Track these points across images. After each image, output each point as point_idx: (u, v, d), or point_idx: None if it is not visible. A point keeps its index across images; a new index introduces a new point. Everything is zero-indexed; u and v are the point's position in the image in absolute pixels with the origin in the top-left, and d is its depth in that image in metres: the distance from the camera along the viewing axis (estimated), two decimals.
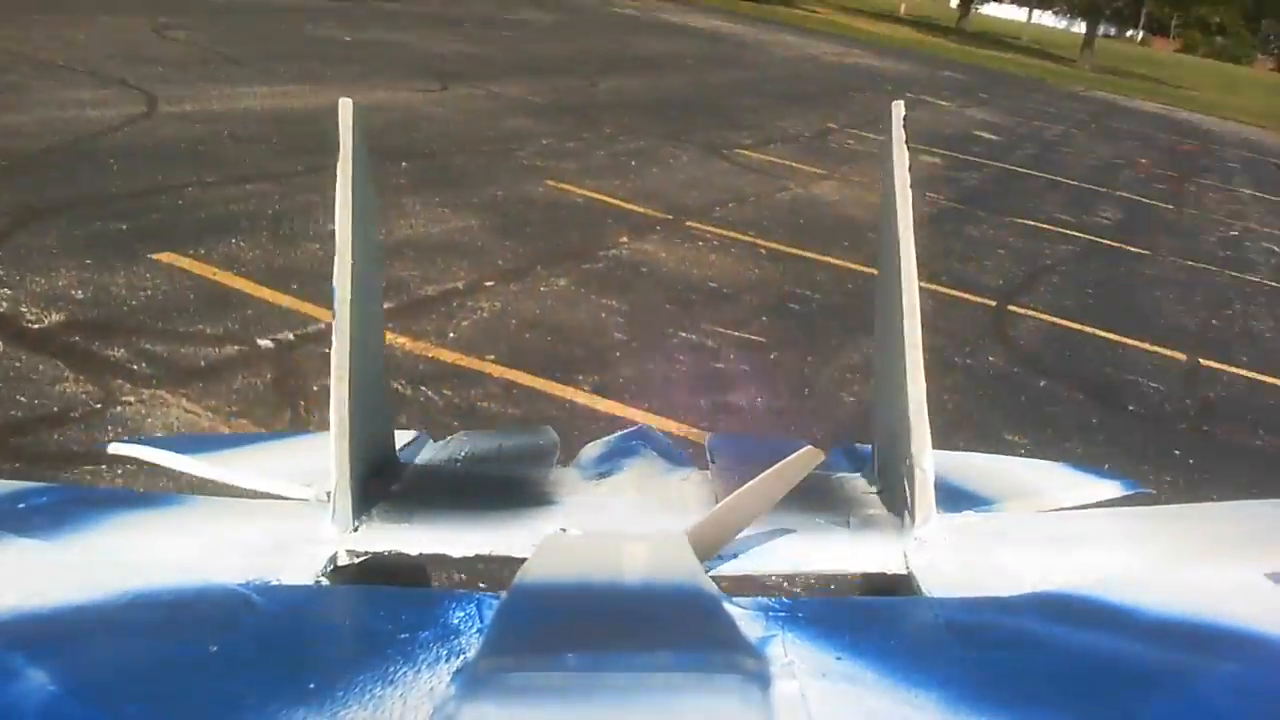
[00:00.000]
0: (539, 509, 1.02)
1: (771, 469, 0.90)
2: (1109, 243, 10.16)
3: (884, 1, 61.72)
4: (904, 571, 0.91)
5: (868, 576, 0.97)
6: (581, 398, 4.65)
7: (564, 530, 0.96)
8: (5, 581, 0.73)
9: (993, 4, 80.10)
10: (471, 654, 0.63)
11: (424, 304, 5.46)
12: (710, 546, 0.89)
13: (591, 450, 1.33)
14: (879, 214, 1.08)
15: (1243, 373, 6.90)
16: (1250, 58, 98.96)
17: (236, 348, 4.60)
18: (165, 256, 5.43)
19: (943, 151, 13.50)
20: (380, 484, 1.03)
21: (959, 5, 53.95)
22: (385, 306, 5.26)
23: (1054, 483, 1.35)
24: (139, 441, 1.31)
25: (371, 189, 1.03)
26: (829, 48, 27.96)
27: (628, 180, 9.02)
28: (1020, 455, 4.72)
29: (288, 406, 4.16)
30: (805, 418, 4.94)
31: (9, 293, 4.70)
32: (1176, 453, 5.33)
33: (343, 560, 0.90)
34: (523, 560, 0.84)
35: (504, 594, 0.71)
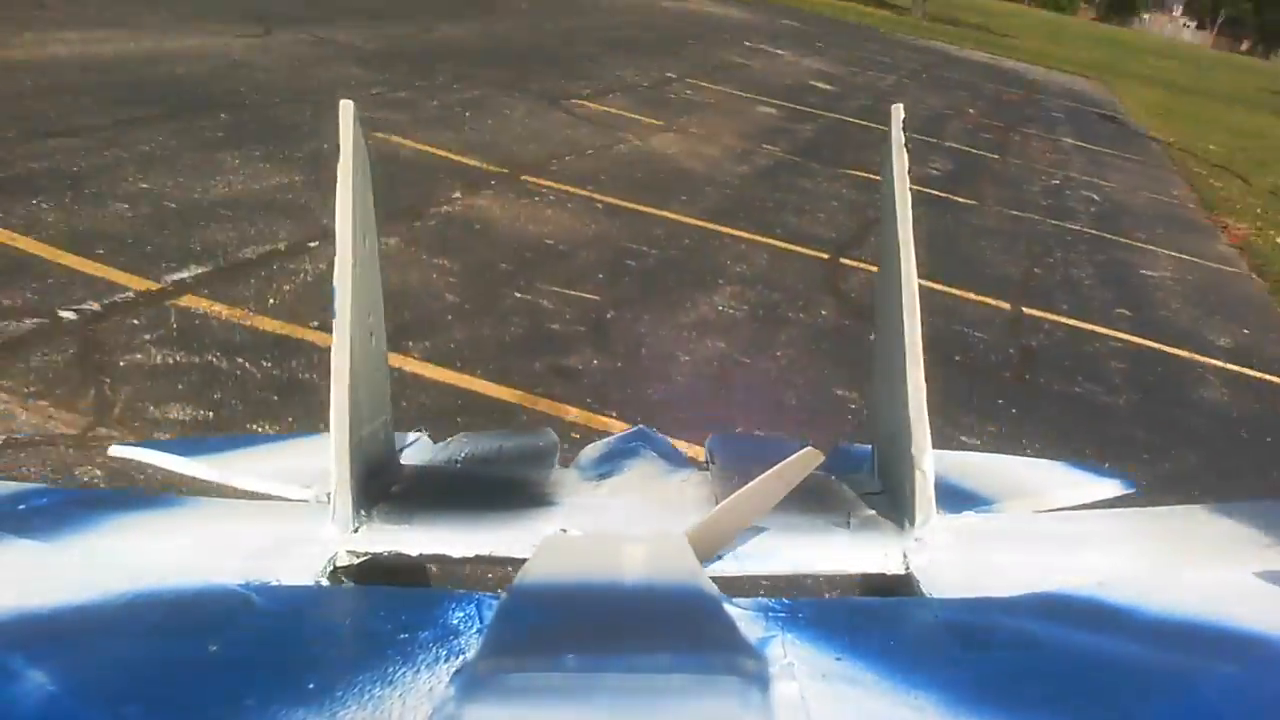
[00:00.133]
0: (539, 510, 1.03)
1: (771, 470, 0.90)
2: (938, 193, 10.41)
3: None
4: (904, 572, 0.92)
5: (867, 577, 0.97)
6: (411, 365, 4.50)
7: (564, 531, 0.97)
8: (5, 582, 0.74)
9: None
10: (471, 654, 0.63)
11: (242, 268, 5.20)
12: (710, 547, 0.90)
13: (591, 451, 1.33)
14: (879, 214, 1.09)
15: (1063, 320, 7.17)
16: (1075, 6, 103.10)
17: (34, 320, 4.29)
18: None
19: (779, 102, 13.61)
20: (380, 485, 1.04)
21: None
22: (198, 272, 5.04)
23: (1054, 482, 1.36)
24: (140, 444, 1.30)
25: (371, 190, 1.04)
26: None
27: (461, 132, 8.78)
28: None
29: (91, 385, 3.90)
30: (640, 379, 4.90)
31: None
32: (1000, 402, 5.50)
33: (343, 561, 0.90)
34: (522, 561, 0.84)
35: (504, 594, 0.71)
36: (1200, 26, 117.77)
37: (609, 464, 1.22)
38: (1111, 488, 1.32)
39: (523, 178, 7.79)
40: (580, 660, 0.57)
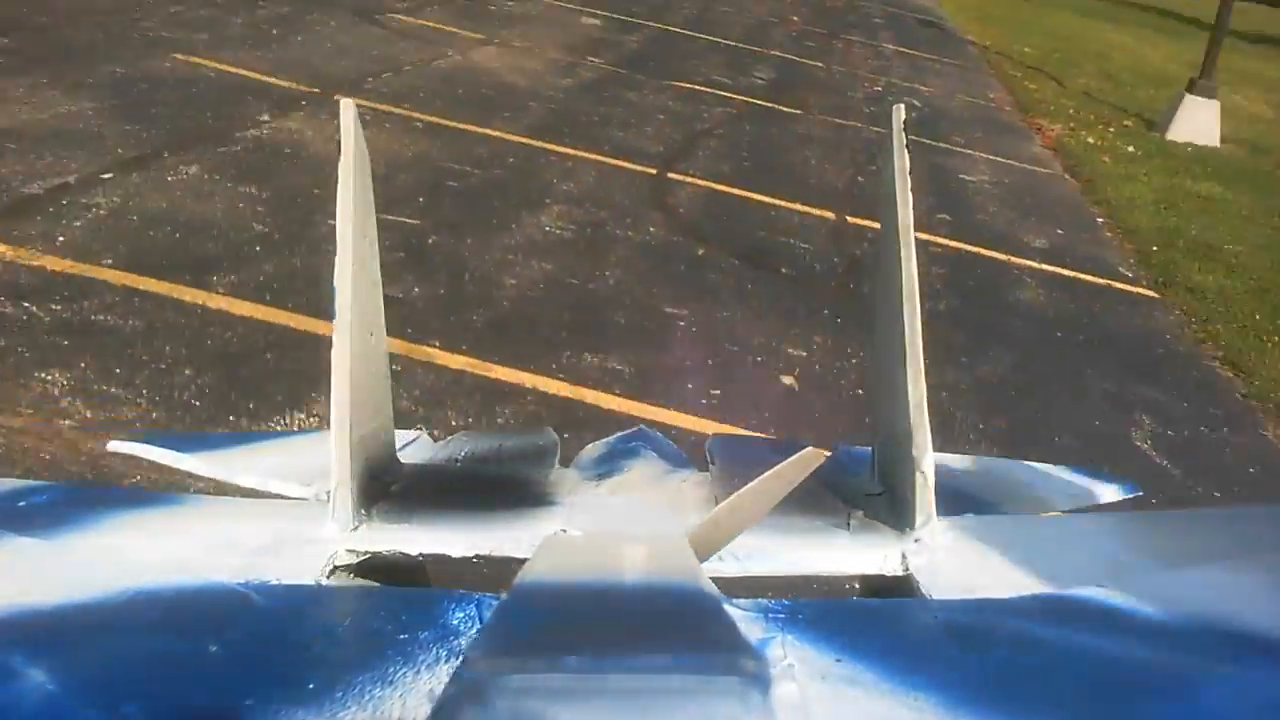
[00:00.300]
0: (539, 510, 1.03)
1: (771, 471, 0.89)
2: (763, 103, 10.42)
3: None
4: (903, 573, 0.93)
5: (867, 578, 0.98)
6: (215, 301, 4.26)
7: (564, 531, 0.97)
8: (5, 579, 0.73)
9: None
10: (471, 655, 0.62)
11: (28, 204, 4.81)
12: (710, 548, 0.89)
13: (591, 451, 1.34)
14: (879, 213, 1.08)
15: None
16: None
17: None
18: None
19: (604, 13, 13.35)
20: (380, 484, 1.03)
21: None
22: None
23: (1054, 486, 1.37)
24: (140, 440, 1.28)
25: (371, 190, 1.03)
26: None
27: (269, 50, 8.31)
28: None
29: None
30: (463, 307, 4.76)
31: None
32: (826, 312, 5.56)
33: (343, 560, 0.90)
34: (523, 561, 0.84)
35: (504, 594, 0.71)
36: None
37: (609, 464, 1.23)
38: (1113, 492, 1.33)
39: (335, 97, 7.42)
40: (580, 661, 0.57)
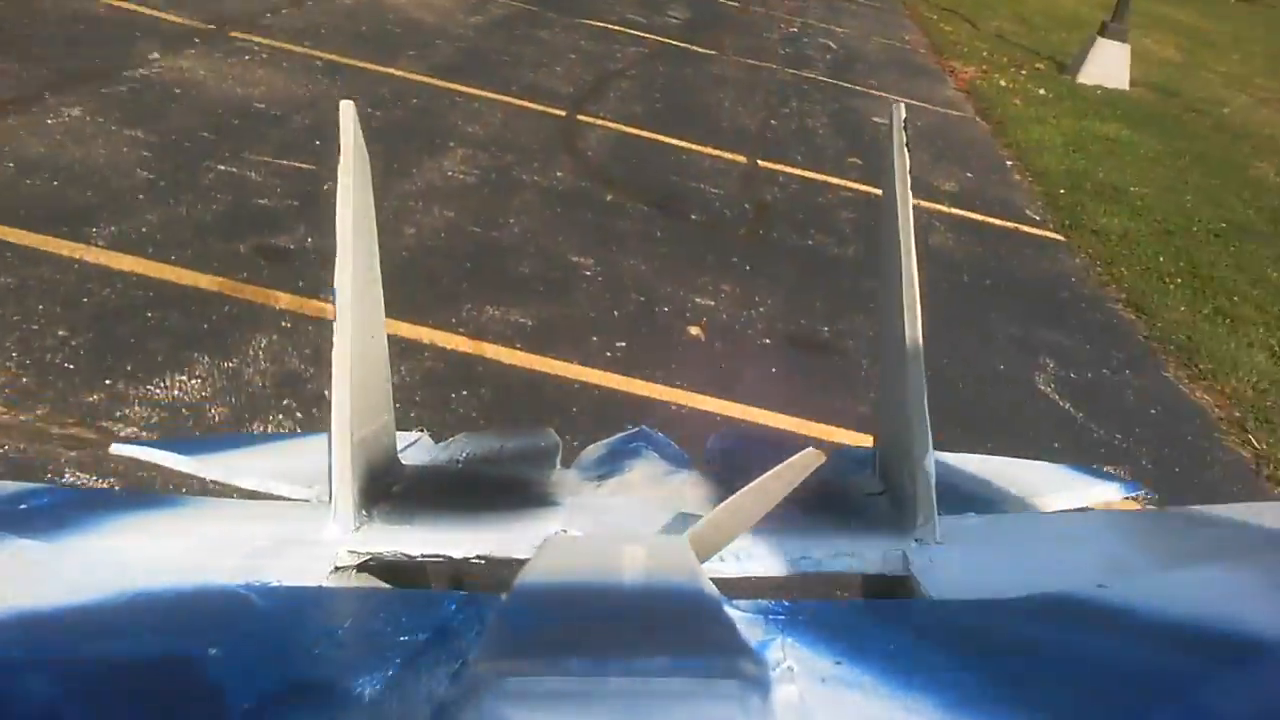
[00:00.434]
0: (539, 510, 1.04)
1: (771, 472, 0.89)
2: (677, 43, 10.25)
3: None
4: (904, 573, 0.93)
5: (869, 578, 0.98)
6: (94, 255, 4.05)
7: (564, 532, 0.97)
8: (5, 581, 0.72)
9: None
10: (471, 656, 0.62)
11: None
12: (710, 548, 0.89)
13: (592, 452, 1.35)
14: (879, 213, 1.09)
15: (797, 172, 7.22)
16: None
17: None
18: None
19: None
20: (381, 485, 1.04)
21: None
22: None
23: (1055, 484, 1.37)
24: (141, 443, 1.29)
25: (372, 190, 1.03)
26: None
27: None
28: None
29: None
30: None
31: None
32: (735, 260, 5.50)
33: (344, 561, 0.91)
34: (523, 562, 0.84)
35: (504, 596, 0.70)
36: None
37: (610, 464, 1.24)
38: (1112, 490, 1.33)
39: (231, 34, 7.13)
40: (580, 664, 0.56)
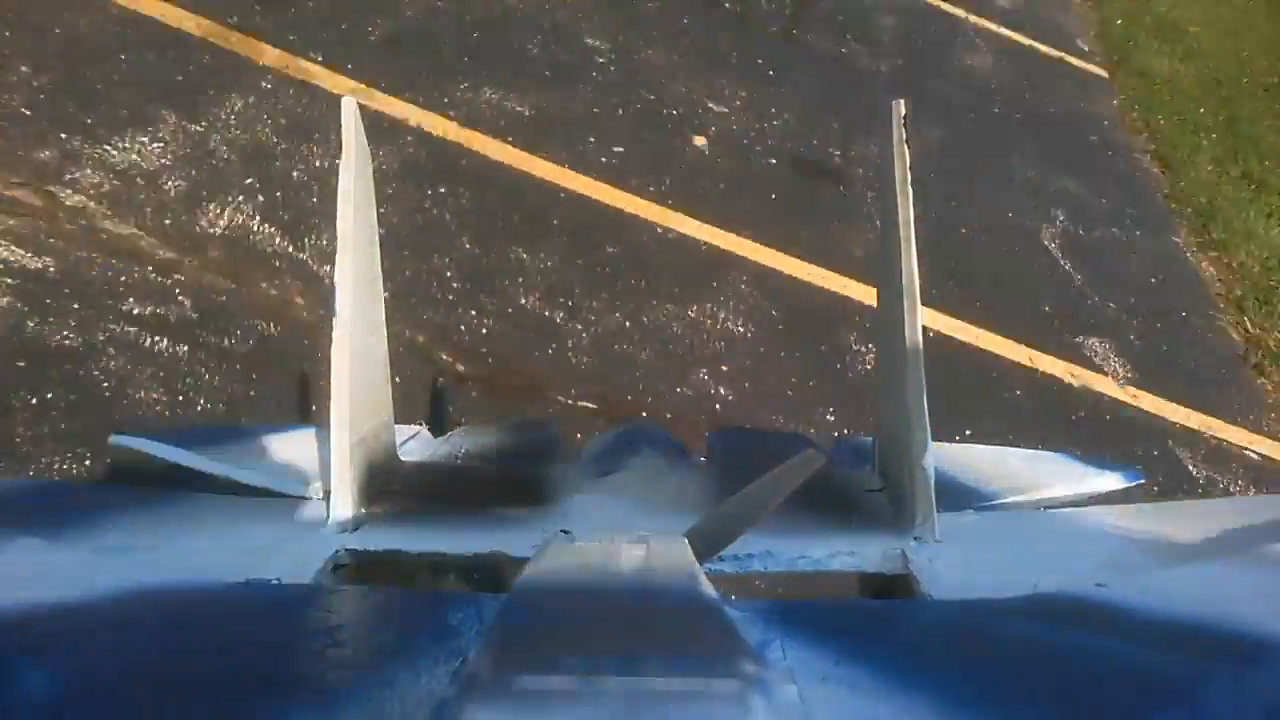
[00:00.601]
0: (540, 508, 1.04)
1: (771, 473, 0.89)
2: None
3: None
4: (904, 572, 0.93)
5: (868, 577, 0.98)
6: None
7: (564, 531, 0.97)
8: (5, 580, 0.72)
9: None
10: (471, 655, 0.61)
11: None
12: (710, 547, 0.89)
13: (593, 449, 1.35)
14: (880, 213, 1.08)
15: None
16: None
17: None
18: None
19: None
20: (380, 483, 1.04)
21: None
22: None
23: (1055, 475, 1.37)
24: (139, 435, 1.28)
25: (372, 189, 1.03)
26: None
27: None
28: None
29: None
30: (362, 12, 4.36)
31: None
32: (760, 62, 5.23)
33: (342, 559, 0.90)
34: (523, 561, 0.83)
35: (504, 595, 0.70)
36: None
37: (610, 461, 1.24)
38: (1114, 480, 1.33)
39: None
40: (580, 664, 0.56)
